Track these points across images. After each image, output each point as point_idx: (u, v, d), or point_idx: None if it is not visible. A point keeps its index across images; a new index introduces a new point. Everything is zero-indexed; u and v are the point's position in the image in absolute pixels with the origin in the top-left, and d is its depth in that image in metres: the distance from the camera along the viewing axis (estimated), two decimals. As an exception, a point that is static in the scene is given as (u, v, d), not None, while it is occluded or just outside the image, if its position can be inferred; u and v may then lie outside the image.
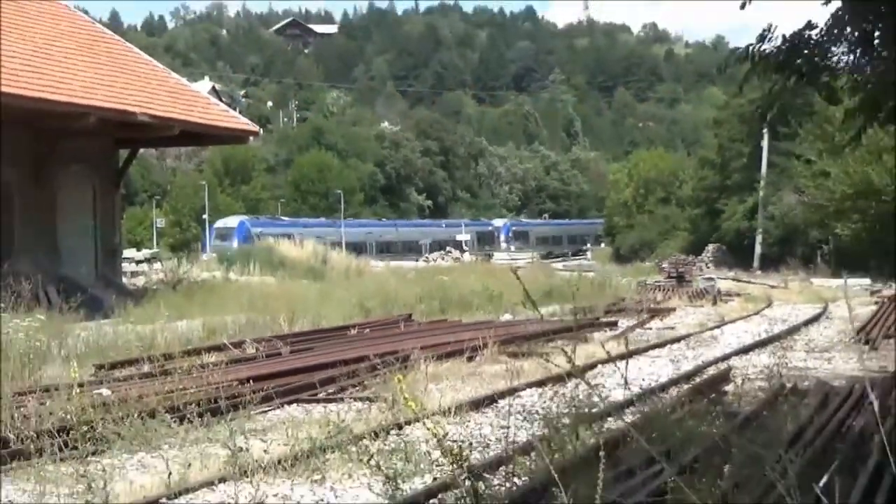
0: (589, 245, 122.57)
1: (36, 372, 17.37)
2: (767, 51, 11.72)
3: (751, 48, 11.75)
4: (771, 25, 11.81)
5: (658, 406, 13.09)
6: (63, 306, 23.69)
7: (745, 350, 22.55)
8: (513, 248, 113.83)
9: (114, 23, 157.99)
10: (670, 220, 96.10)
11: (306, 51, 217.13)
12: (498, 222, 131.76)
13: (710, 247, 77.78)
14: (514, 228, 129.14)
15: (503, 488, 8.44)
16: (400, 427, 12.23)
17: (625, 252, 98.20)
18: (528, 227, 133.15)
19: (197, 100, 38.51)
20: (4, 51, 30.34)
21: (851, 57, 12.45)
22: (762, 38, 11.82)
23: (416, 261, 68.31)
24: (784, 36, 11.76)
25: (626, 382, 12.17)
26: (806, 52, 11.86)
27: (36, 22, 34.79)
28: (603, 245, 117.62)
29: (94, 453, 11.31)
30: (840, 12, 11.81)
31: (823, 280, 53.19)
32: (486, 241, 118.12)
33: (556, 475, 5.68)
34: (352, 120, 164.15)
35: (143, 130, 33.70)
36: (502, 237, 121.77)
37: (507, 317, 31.44)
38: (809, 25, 11.83)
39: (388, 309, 31.25)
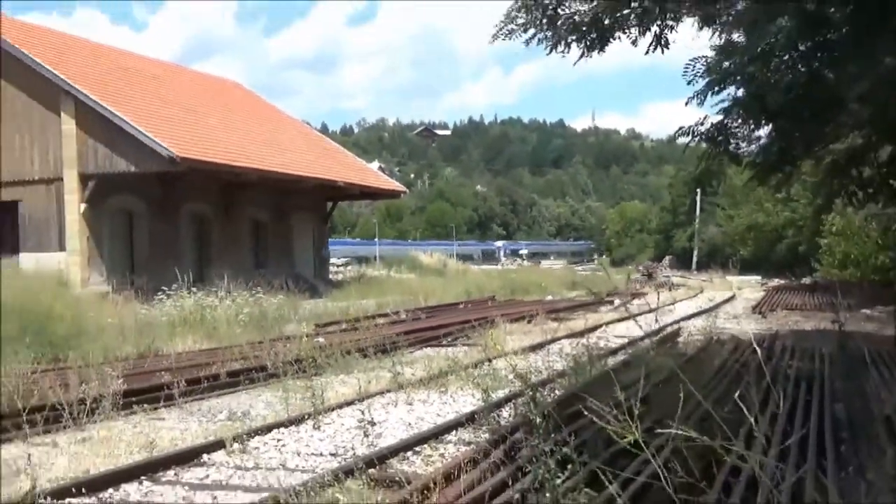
0: (596, 256, 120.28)
1: (282, 328, 17.64)
2: (702, 130, 11.90)
3: (691, 128, 11.93)
4: (706, 116, 12.08)
5: (639, 349, 12.94)
6: (296, 291, 23.95)
7: (689, 317, 22.28)
8: (524, 257, 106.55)
9: (323, 129, 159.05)
10: (643, 242, 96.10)
11: (433, 145, 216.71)
12: (498, 243, 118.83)
13: (667, 257, 76.92)
14: (510, 248, 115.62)
15: (550, 396, 8.38)
16: (490, 361, 12.21)
17: (617, 260, 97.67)
18: (519, 247, 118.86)
19: (370, 173, 38.79)
20: (266, 149, 30.86)
21: (744, 143, 12.74)
22: (700, 123, 12.00)
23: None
24: (713, 123, 11.98)
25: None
26: (723, 133, 12.02)
27: (281, 130, 35.39)
28: (604, 256, 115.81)
29: (315, 374, 11.44)
30: (727, 120, 12.05)
31: (734, 277, 52.16)
32: (489, 256, 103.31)
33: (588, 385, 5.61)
34: (459, 184, 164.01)
35: (340, 191, 33.94)
36: (501, 253, 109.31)
37: (549, 297, 31.27)
38: (726, 117, 11.96)
39: (481, 293, 31.20)
